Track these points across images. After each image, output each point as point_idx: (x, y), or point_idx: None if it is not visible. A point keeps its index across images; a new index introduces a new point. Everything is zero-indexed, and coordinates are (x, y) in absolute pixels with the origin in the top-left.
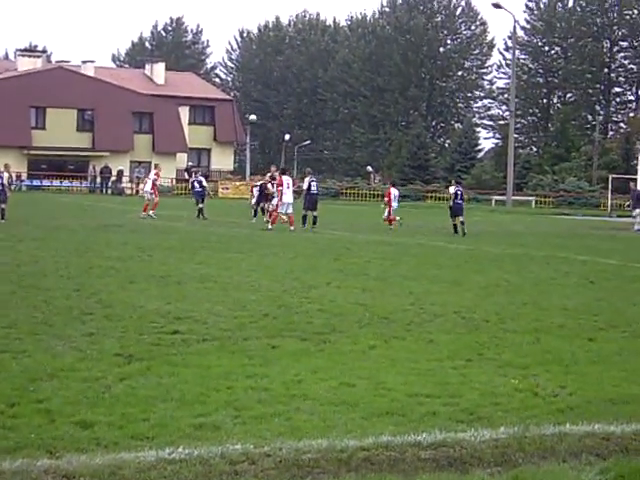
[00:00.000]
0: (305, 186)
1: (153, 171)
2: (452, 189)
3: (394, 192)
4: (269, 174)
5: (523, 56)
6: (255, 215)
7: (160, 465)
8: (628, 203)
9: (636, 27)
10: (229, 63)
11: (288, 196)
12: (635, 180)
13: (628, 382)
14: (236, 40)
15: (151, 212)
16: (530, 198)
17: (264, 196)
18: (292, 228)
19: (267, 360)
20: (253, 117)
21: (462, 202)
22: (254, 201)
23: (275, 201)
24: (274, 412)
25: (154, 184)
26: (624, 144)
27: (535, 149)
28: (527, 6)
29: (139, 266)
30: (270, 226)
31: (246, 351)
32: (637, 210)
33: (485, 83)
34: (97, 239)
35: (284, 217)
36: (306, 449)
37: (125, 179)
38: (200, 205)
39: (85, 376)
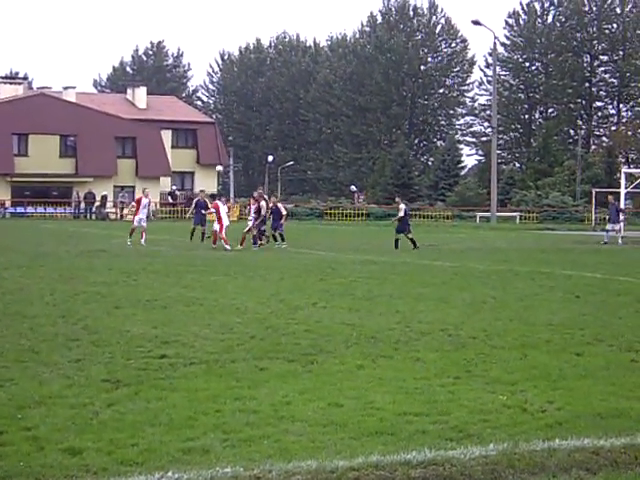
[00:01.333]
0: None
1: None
2: (403, 206)
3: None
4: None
5: (504, 72)
6: (278, 240)
7: None
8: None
9: (616, 41)
10: (210, 86)
11: (225, 219)
12: (616, 194)
13: (616, 396)
14: (217, 63)
15: (129, 241)
16: (514, 214)
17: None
18: (228, 247)
19: (255, 382)
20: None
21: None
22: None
23: (217, 226)
24: (263, 434)
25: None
26: (607, 158)
27: (518, 165)
28: (507, 22)
29: (125, 291)
30: (228, 247)
31: (233, 374)
32: (617, 225)
33: (467, 100)
34: (82, 265)
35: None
36: (296, 470)
37: (109, 204)
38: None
39: (73, 403)
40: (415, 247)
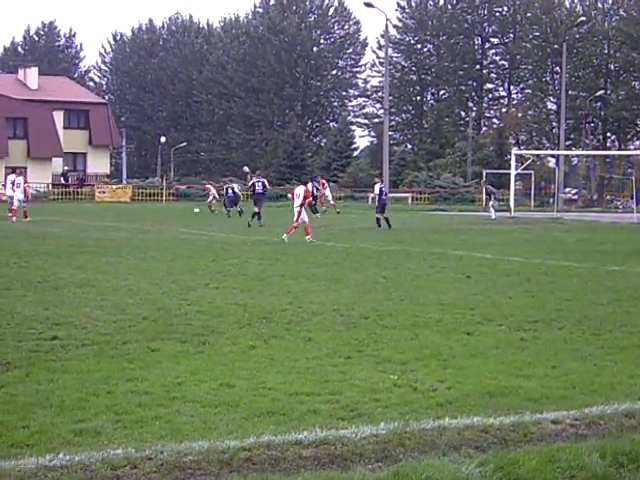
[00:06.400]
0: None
1: (20, 178)
2: (377, 187)
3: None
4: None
5: (396, 54)
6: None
7: (41, 472)
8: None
9: (506, 24)
10: (103, 66)
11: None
12: (490, 176)
13: (505, 375)
14: (109, 43)
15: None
16: (406, 195)
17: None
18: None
19: (147, 363)
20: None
21: (385, 198)
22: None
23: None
24: (155, 415)
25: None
26: (497, 139)
27: (410, 146)
28: (399, 4)
29: (16, 272)
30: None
31: (125, 355)
32: (490, 202)
33: (359, 82)
34: None
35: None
36: (187, 451)
37: None
38: (255, 209)
39: None
40: (389, 227)
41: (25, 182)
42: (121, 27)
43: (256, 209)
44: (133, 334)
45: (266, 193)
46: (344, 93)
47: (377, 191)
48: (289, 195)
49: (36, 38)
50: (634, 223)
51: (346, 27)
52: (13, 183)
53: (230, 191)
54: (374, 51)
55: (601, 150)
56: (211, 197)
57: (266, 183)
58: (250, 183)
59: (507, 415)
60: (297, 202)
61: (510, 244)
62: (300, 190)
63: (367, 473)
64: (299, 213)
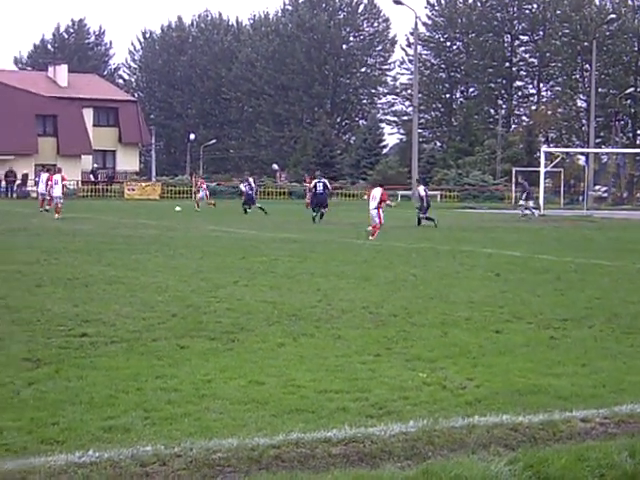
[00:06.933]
0: None
1: (59, 175)
2: (422, 189)
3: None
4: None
5: (425, 52)
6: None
7: (70, 469)
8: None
9: (536, 21)
10: (132, 64)
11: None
12: (524, 173)
13: (535, 373)
14: (139, 41)
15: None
16: (435, 192)
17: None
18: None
19: (176, 360)
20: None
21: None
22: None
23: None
24: (184, 412)
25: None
26: (527, 137)
27: (439, 144)
28: (428, 2)
29: (46, 269)
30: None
31: (155, 352)
32: (530, 202)
33: (388, 79)
34: (2, 243)
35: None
36: (216, 448)
37: (30, 182)
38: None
39: None
40: (419, 224)
41: (64, 179)
42: (150, 25)
43: (315, 209)
44: (162, 331)
45: (327, 193)
46: (373, 91)
47: (423, 193)
48: (365, 197)
49: (66, 36)
50: None
51: (375, 24)
52: (51, 180)
53: (248, 187)
54: (403, 48)
55: (631, 148)
56: (202, 193)
57: (327, 183)
58: (312, 184)
59: (536, 413)
60: (373, 204)
61: (539, 242)
62: (377, 192)
63: (396, 471)
64: (378, 215)
